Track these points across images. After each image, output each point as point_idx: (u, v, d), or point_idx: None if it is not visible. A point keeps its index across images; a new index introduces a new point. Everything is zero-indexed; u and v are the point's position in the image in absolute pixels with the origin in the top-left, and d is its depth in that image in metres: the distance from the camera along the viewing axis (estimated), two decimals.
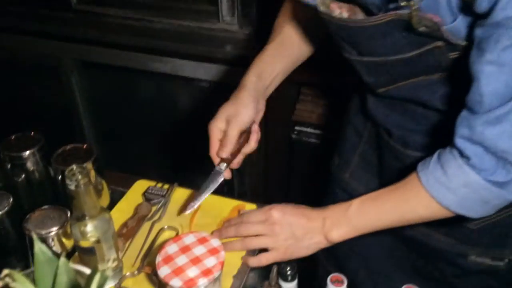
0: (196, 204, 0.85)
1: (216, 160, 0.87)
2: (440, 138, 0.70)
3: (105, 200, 0.97)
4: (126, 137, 2.00)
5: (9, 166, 0.94)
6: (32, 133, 0.96)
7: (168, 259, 0.74)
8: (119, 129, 2.00)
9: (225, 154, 0.85)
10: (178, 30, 1.68)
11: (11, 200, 0.84)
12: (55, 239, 0.81)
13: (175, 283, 0.71)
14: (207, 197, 0.94)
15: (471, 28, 0.64)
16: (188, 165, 1.84)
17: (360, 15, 0.73)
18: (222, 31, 1.64)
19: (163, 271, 0.72)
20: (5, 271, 0.37)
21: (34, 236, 0.42)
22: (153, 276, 0.79)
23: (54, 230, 0.81)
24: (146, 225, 0.90)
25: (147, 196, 0.95)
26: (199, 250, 0.76)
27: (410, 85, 0.77)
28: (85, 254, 0.75)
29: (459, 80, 0.67)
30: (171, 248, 0.76)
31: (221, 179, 0.86)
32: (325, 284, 0.75)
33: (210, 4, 1.64)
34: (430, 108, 0.78)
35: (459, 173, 0.66)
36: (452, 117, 0.67)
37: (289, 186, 1.76)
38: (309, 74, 1.48)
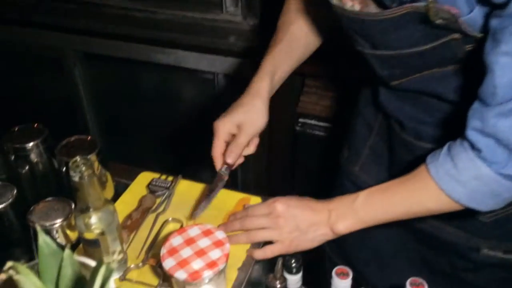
0: (202, 211, 0.86)
1: (218, 161, 0.86)
2: (454, 130, 0.69)
3: (109, 192, 0.97)
4: (129, 129, 2.00)
5: (13, 157, 0.94)
6: (36, 124, 0.96)
7: (173, 251, 0.74)
8: (123, 121, 2.00)
9: (232, 160, 0.85)
10: (181, 21, 1.67)
11: (15, 192, 0.84)
12: (59, 231, 0.81)
13: (180, 275, 0.70)
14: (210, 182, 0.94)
15: (486, 19, 0.63)
16: (192, 157, 1.84)
17: (372, 7, 0.72)
18: (226, 22, 1.63)
19: (168, 263, 0.72)
20: (9, 263, 0.37)
21: (38, 228, 0.42)
22: (157, 268, 0.79)
23: (58, 222, 0.80)
24: (150, 217, 0.90)
25: (151, 188, 0.95)
26: (204, 243, 0.75)
27: (423, 78, 0.76)
28: (89, 246, 0.75)
29: (473, 72, 0.66)
30: (176, 240, 0.76)
31: (224, 183, 0.88)
32: (330, 276, 0.75)
33: None
34: (444, 100, 0.77)
35: (470, 165, 0.65)
36: (466, 109, 0.66)
37: (293, 178, 1.75)
38: (314, 65, 1.47)
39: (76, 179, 0.68)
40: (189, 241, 0.76)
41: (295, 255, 0.79)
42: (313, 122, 1.59)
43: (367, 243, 0.98)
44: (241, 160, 0.87)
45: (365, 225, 0.78)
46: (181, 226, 0.87)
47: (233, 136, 0.86)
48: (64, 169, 0.91)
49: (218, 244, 0.75)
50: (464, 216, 0.81)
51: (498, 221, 0.81)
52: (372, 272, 0.99)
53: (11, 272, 0.37)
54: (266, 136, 1.54)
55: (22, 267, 0.37)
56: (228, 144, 0.86)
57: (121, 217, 0.86)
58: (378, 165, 0.96)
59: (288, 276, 0.78)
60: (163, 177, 0.98)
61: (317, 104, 1.59)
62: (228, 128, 0.85)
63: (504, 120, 0.61)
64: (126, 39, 1.71)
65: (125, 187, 0.97)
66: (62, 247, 0.43)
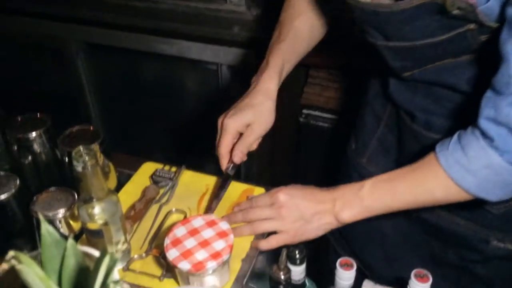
0: (213, 212, 0.86)
1: (225, 159, 0.86)
2: (465, 121, 0.69)
3: (112, 182, 0.97)
4: (132, 119, 1.99)
5: (15, 147, 0.93)
6: (38, 114, 0.95)
7: (177, 242, 0.73)
8: (125, 111, 1.99)
9: (240, 160, 0.85)
10: (184, 11, 1.65)
11: (18, 182, 0.84)
12: (62, 221, 0.81)
13: (183, 266, 0.70)
14: (216, 181, 0.94)
15: (503, 8, 0.62)
16: (195, 148, 1.84)
17: None
18: (230, 12, 1.61)
19: (172, 254, 0.72)
20: (11, 253, 0.36)
21: (41, 217, 0.41)
22: (161, 258, 0.79)
23: (61, 212, 0.80)
24: (153, 208, 0.89)
25: (155, 179, 0.94)
26: (207, 233, 0.75)
27: (436, 68, 0.75)
28: (92, 237, 0.74)
29: (487, 62, 0.65)
30: (180, 231, 0.75)
31: (231, 181, 0.89)
32: (334, 267, 0.74)
33: None
34: (456, 91, 0.77)
35: (481, 154, 0.65)
36: (478, 99, 0.65)
37: (297, 169, 1.75)
38: (318, 56, 1.46)
39: (79, 169, 0.67)
40: (193, 232, 0.75)
41: (298, 246, 0.79)
42: (317, 113, 1.59)
43: (373, 235, 0.98)
44: (244, 158, 0.87)
45: (371, 214, 0.77)
46: (185, 217, 0.87)
47: (240, 134, 0.85)
48: (67, 159, 0.90)
49: (222, 235, 0.75)
50: (474, 208, 0.80)
51: (508, 213, 0.80)
52: (378, 264, 0.99)
53: (13, 261, 0.36)
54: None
55: (25, 257, 0.37)
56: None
57: (124, 207, 0.86)
58: (386, 157, 0.95)
59: (292, 267, 0.77)
60: (167, 167, 0.97)
61: (321, 95, 1.59)
62: (238, 127, 0.84)
63: None
64: (128, 29, 1.70)
65: (128, 177, 0.97)
66: (65, 238, 0.43)
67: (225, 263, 0.73)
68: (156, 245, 0.82)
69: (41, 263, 0.41)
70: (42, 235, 0.41)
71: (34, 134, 0.91)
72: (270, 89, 0.86)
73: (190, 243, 0.73)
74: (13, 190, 0.82)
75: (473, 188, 0.67)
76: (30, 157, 0.94)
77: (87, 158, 0.67)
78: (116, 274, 0.41)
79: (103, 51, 1.83)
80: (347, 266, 0.74)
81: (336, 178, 1.07)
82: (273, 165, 1.80)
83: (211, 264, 0.70)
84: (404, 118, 0.87)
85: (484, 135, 0.64)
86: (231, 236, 0.75)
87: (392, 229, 0.94)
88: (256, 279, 0.82)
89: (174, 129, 1.94)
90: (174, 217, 0.88)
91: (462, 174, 0.67)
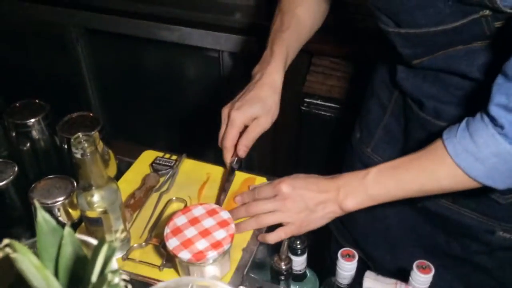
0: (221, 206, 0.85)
1: (229, 152, 0.84)
2: (475, 108, 0.67)
3: (112, 170, 0.96)
4: (132, 106, 1.98)
5: (14, 134, 0.92)
6: (38, 100, 0.94)
7: (177, 231, 0.73)
8: (126, 99, 1.98)
9: (245, 154, 0.84)
10: None
11: (16, 169, 0.83)
12: (61, 209, 0.80)
13: (183, 256, 0.69)
14: (216, 169, 0.93)
15: None
16: (196, 136, 1.83)
17: None
18: None
19: (172, 243, 0.71)
20: (5, 241, 0.35)
21: (37, 204, 0.40)
22: (161, 248, 0.78)
23: (60, 200, 0.79)
24: (153, 196, 0.88)
25: (155, 167, 0.93)
26: (208, 222, 0.74)
27: (447, 55, 0.74)
28: (91, 225, 0.73)
29: (499, 48, 0.64)
30: (180, 220, 0.74)
31: (235, 175, 0.89)
32: (336, 258, 0.73)
33: None
34: (466, 78, 0.75)
35: (490, 142, 0.63)
36: (488, 87, 0.64)
37: (298, 158, 1.74)
38: (322, 44, 1.45)
39: (78, 156, 0.66)
40: (193, 221, 0.74)
41: (300, 236, 0.79)
42: (319, 102, 1.58)
43: (377, 225, 0.97)
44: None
45: (375, 202, 0.76)
46: (185, 206, 0.86)
47: (245, 127, 0.84)
48: (66, 146, 0.89)
49: (222, 224, 0.74)
50: (480, 198, 0.79)
51: None
52: (380, 254, 0.98)
53: (7, 250, 0.35)
54: None
55: (20, 245, 0.36)
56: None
57: (124, 195, 0.85)
58: (392, 146, 0.94)
59: (293, 258, 0.77)
60: (167, 155, 0.96)
61: (323, 84, 1.57)
62: (245, 120, 0.83)
63: None
64: (129, 15, 1.68)
65: (128, 165, 0.95)
66: (62, 226, 0.42)
67: (226, 252, 0.72)
68: (156, 234, 0.81)
69: (37, 252, 0.40)
70: (38, 222, 0.40)
71: (33, 120, 0.90)
72: (276, 82, 0.85)
73: (190, 232, 0.72)
74: (11, 177, 0.81)
75: (480, 176, 0.66)
76: (28, 144, 0.93)
77: (86, 145, 0.66)
78: (114, 264, 0.40)
79: (103, 37, 1.81)
80: (348, 256, 0.73)
81: (339, 167, 1.06)
82: (275, 154, 1.79)
83: (212, 254, 0.69)
84: (411, 106, 0.86)
85: (494, 122, 0.63)
86: (232, 225, 0.74)
87: (395, 219, 0.94)
88: (257, 269, 0.82)
89: (174, 117, 1.93)
90: (174, 206, 0.87)
91: (470, 162, 0.65)
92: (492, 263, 0.87)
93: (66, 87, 1.98)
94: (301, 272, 0.81)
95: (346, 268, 0.73)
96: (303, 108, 1.58)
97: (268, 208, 0.80)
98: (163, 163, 0.94)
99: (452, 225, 0.86)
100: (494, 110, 0.63)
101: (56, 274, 0.41)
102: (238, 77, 1.61)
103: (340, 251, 0.73)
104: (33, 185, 0.81)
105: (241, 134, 0.84)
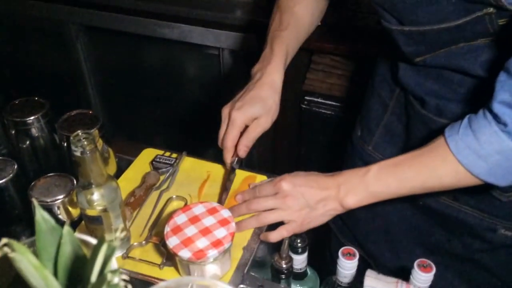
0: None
1: (230, 152, 0.84)
2: (477, 106, 0.67)
3: (111, 168, 0.95)
4: (132, 104, 1.98)
5: (13, 131, 0.92)
6: (37, 98, 0.94)
7: (177, 230, 0.72)
8: (126, 96, 1.98)
9: (245, 154, 0.84)
10: None
11: (15, 167, 0.82)
12: (61, 207, 0.80)
13: (184, 254, 0.69)
14: (217, 168, 0.93)
15: None
16: (197, 134, 1.82)
17: None
18: None
19: (172, 242, 0.70)
20: (4, 240, 0.35)
21: (36, 203, 0.40)
22: (161, 246, 0.77)
23: (59, 198, 0.79)
24: (154, 195, 0.88)
25: (155, 165, 0.93)
26: (208, 221, 0.74)
27: (449, 52, 0.73)
28: (91, 223, 0.73)
29: (502, 45, 0.63)
30: (180, 218, 0.74)
31: (235, 174, 0.89)
32: (336, 256, 0.73)
33: None
34: (469, 75, 0.75)
35: (493, 139, 0.63)
36: (491, 84, 0.63)
37: (299, 156, 1.74)
38: (322, 42, 1.44)
39: (78, 154, 0.66)
40: (194, 219, 0.74)
41: (301, 235, 0.78)
42: (319, 100, 1.57)
43: (378, 223, 0.96)
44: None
45: (376, 200, 0.76)
46: (186, 204, 0.86)
47: (245, 127, 0.84)
48: (65, 144, 0.89)
49: (223, 222, 0.73)
50: (481, 196, 0.79)
51: None
52: (381, 252, 0.98)
53: (6, 249, 0.35)
54: None
55: (18, 245, 0.35)
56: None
57: (124, 194, 0.85)
58: (392, 144, 0.93)
59: (293, 256, 0.77)
60: (167, 153, 0.96)
61: (323, 81, 1.57)
62: (246, 120, 0.82)
63: None
64: (129, 12, 1.67)
65: (128, 163, 0.95)
66: (63, 224, 0.42)
67: (226, 251, 0.72)
68: (156, 232, 0.80)
69: (36, 251, 0.40)
70: (36, 221, 0.39)
71: (32, 118, 0.90)
72: (276, 82, 0.85)
73: (190, 230, 0.72)
74: (11, 175, 0.81)
75: (483, 174, 0.66)
76: (28, 142, 0.92)
77: (85, 143, 0.66)
78: (114, 263, 0.40)
79: (103, 34, 1.80)
80: (349, 255, 0.73)
81: (340, 165, 1.06)
82: (275, 152, 1.78)
83: (212, 253, 0.69)
84: (413, 103, 0.85)
85: (497, 119, 0.63)
86: (233, 224, 0.73)
87: (397, 217, 0.93)
88: (258, 267, 0.81)
89: (175, 114, 1.93)
90: (174, 204, 0.87)
91: (473, 159, 0.65)
92: (493, 261, 0.86)
93: (66, 85, 1.97)
94: (301, 271, 0.80)
95: (347, 266, 0.73)
96: (304, 106, 1.58)
97: (269, 205, 0.80)
98: (163, 161, 0.94)
99: (453, 223, 0.86)
100: (497, 107, 0.62)
101: (55, 273, 0.41)
102: (239, 74, 1.61)
103: (341, 250, 0.73)
104: (32, 183, 0.80)
105: (241, 134, 0.84)
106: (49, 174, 0.82)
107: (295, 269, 0.78)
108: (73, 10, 1.75)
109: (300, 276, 0.81)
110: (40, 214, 0.40)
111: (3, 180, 0.80)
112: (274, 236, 0.79)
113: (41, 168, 0.94)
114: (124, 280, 0.36)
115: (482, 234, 0.84)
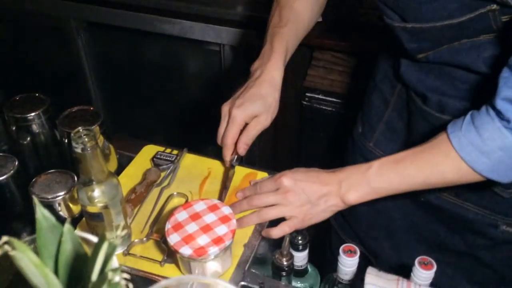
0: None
1: (229, 150, 0.84)
2: (480, 102, 0.67)
3: (112, 165, 0.95)
4: (133, 100, 1.97)
5: (14, 128, 0.92)
6: (38, 94, 0.93)
7: (178, 227, 0.72)
8: (126, 93, 1.97)
9: (245, 152, 0.84)
10: None
11: (16, 163, 0.82)
12: (62, 204, 0.80)
13: (184, 251, 0.69)
14: (218, 164, 0.92)
15: None
16: (197, 131, 1.82)
17: None
18: None
19: (173, 239, 0.70)
20: (4, 238, 0.34)
21: (36, 200, 0.39)
22: (162, 243, 0.77)
23: (60, 194, 0.79)
24: (155, 191, 0.88)
25: (156, 162, 0.93)
26: (209, 218, 0.74)
27: (452, 49, 0.73)
28: (92, 220, 0.73)
29: (505, 42, 0.63)
30: (181, 215, 0.74)
31: (234, 172, 0.89)
32: (337, 253, 0.73)
33: None
34: (471, 71, 0.74)
35: (496, 136, 0.63)
36: (493, 80, 0.63)
37: (299, 153, 1.73)
38: (323, 38, 1.44)
39: (79, 150, 0.66)
40: (195, 216, 0.74)
41: (301, 232, 0.78)
42: (320, 96, 1.57)
43: (379, 220, 0.96)
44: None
45: (378, 196, 0.76)
46: (186, 201, 0.86)
47: (245, 125, 0.84)
48: (66, 140, 0.89)
49: (224, 219, 0.73)
50: (483, 192, 0.79)
51: None
52: (382, 249, 0.98)
53: (6, 247, 0.35)
54: None
55: (18, 242, 0.35)
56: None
57: (125, 190, 0.85)
58: (394, 141, 0.93)
59: (294, 253, 0.77)
60: (168, 150, 0.95)
61: (325, 78, 1.56)
62: (246, 118, 0.82)
63: None
64: (130, 8, 1.67)
65: (128, 160, 0.95)
66: (64, 221, 0.41)
67: (227, 248, 0.71)
68: (157, 229, 0.80)
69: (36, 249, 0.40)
70: (37, 219, 0.39)
71: (33, 114, 0.90)
72: (276, 79, 0.84)
73: (191, 227, 0.72)
74: (11, 172, 0.81)
75: (486, 170, 0.65)
76: (29, 138, 0.92)
77: (86, 139, 0.65)
78: (115, 261, 0.40)
79: (104, 30, 1.80)
80: (350, 252, 0.73)
81: (341, 162, 1.05)
82: (276, 148, 1.78)
83: (213, 250, 0.69)
84: (415, 100, 0.85)
85: (500, 116, 0.62)
86: (234, 221, 0.73)
87: (398, 214, 0.93)
88: (259, 264, 0.81)
89: (175, 111, 1.92)
90: (175, 201, 0.87)
91: (475, 155, 0.65)
92: (495, 257, 0.86)
93: (67, 81, 1.97)
94: (302, 268, 0.80)
95: (347, 263, 0.73)
96: (305, 102, 1.58)
97: (270, 201, 0.79)
98: (164, 157, 0.93)
99: (455, 219, 0.86)
100: (500, 103, 0.62)
101: (55, 271, 0.41)
102: (239, 70, 1.60)
103: (341, 247, 0.73)
104: (33, 180, 0.80)
105: (240, 131, 0.84)
106: (50, 171, 0.82)
107: (296, 266, 0.78)
108: (74, 6, 1.74)
109: (301, 273, 0.81)
110: (41, 212, 0.39)
111: (4, 177, 0.80)
112: (276, 232, 0.79)
113: (42, 164, 0.93)
114: (125, 279, 0.36)
115: (484, 231, 0.84)
